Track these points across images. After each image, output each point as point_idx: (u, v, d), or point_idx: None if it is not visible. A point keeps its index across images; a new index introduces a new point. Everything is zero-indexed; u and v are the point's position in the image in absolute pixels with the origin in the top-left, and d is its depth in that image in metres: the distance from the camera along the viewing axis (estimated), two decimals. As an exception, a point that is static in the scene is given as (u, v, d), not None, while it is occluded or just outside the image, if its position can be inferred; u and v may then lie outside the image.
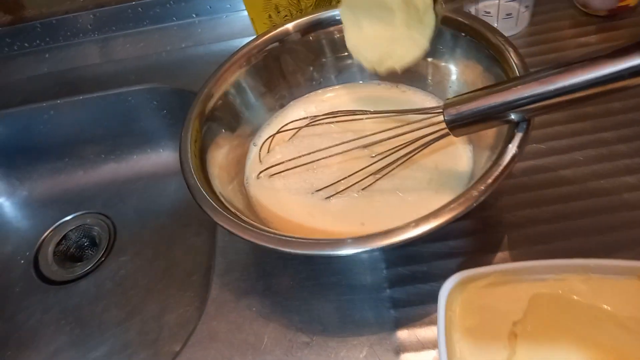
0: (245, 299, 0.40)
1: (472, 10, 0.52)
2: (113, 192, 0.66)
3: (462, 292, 0.31)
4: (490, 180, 0.30)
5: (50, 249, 0.62)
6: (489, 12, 0.51)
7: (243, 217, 0.34)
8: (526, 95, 0.30)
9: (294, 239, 0.31)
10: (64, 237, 0.63)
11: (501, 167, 0.30)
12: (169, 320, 0.52)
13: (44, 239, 0.63)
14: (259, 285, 0.41)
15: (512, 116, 0.31)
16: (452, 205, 0.30)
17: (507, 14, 0.51)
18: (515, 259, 0.38)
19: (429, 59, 0.43)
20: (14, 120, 0.64)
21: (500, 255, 0.38)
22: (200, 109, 0.40)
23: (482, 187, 0.30)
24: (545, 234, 0.38)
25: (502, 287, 0.31)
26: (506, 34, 0.51)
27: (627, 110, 0.44)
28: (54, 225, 0.64)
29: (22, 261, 0.61)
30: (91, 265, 0.59)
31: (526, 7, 0.51)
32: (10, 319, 0.57)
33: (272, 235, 0.32)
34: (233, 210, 0.35)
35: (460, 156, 0.41)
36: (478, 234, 0.39)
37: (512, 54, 0.35)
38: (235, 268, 0.42)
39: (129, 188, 0.66)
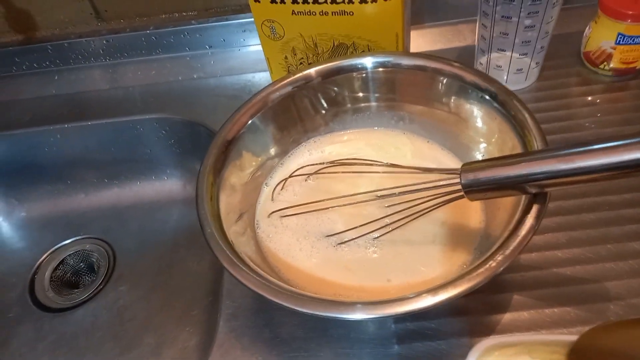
0: (252, 348, 0.40)
1: (484, 62, 0.54)
2: (114, 218, 0.65)
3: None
4: (508, 252, 0.30)
5: (47, 274, 0.61)
6: (500, 66, 0.53)
7: (258, 270, 0.34)
8: (544, 170, 0.30)
9: (311, 298, 0.31)
10: (62, 262, 0.63)
11: (519, 239, 0.31)
12: (167, 356, 0.52)
13: (40, 263, 0.62)
14: (266, 333, 0.40)
15: (529, 188, 0.32)
16: (470, 275, 0.30)
17: (518, 69, 0.52)
18: (522, 320, 0.38)
19: (449, 113, 0.44)
20: (19, 141, 0.63)
21: (507, 315, 0.38)
22: (216, 156, 0.40)
23: (500, 258, 0.30)
24: (552, 297, 0.39)
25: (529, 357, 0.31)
26: (515, 88, 0.54)
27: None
28: (52, 249, 0.64)
29: (18, 285, 0.60)
30: (89, 293, 0.59)
31: (537, 63, 0.53)
32: (3, 345, 0.56)
33: (288, 292, 0.32)
34: (246, 259, 0.35)
35: (472, 212, 0.41)
36: (486, 292, 0.40)
37: (533, 128, 0.36)
38: (242, 313, 0.42)
39: (131, 214, 0.66)
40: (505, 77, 0.53)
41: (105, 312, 0.57)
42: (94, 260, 0.62)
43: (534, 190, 0.32)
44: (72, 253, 0.63)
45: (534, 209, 0.32)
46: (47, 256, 0.63)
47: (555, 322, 0.38)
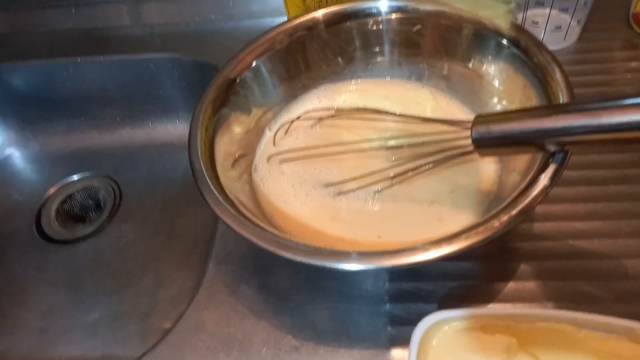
0: (239, 293, 0.38)
1: (519, 18, 0.49)
2: (124, 158, 0.65)
3: (437, 334, 0.29)
4: (514, 212, 0.27)
5: (54, 206, 0.61)
6: (536, 22, 0.48)
7: (245, 212, 0.32)
8: (567, 125, 0.27)
9: (294, 245, 0.29)
10: (70, 196, 0.63)
11: (528, 199, 0.28)
12: (162, 297, 0.51)
13: (49, 196, 0.63)
14: (255, 280, 0.39)
15: (548, 145, 0.29)
16: (468, 233, 0.27)
17: (557, 27, 0.48)
18: (526, 291, 0.35)
19: (470, 67, 0.40)
20: (34, 72, 0.62)
21: (511, 284, 0.36)
22: (216, 94, 0.38)
23: (505, 218, 0.27)
24: (563, 270, 0.36)
25: (482, 333, 0.29)
26: (552, 48, 0.49)
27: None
28: (61, 183, 0.64)
29: (25, 215, 0.61)
30: (93, 228, 0.59)
31: (578, 21, 0.48)
32: (6, 271, 0.56)
33: (272, 237, 0.30)
34: (236, 202, 0.33)
35: (485, 173, 0.38)
36: (491, 259, 0.37)
37: (559, 77, 0.32)
38: (232, 259, 0.41)
39: (141, 155, 0.65)
40: (541, 36, 0.49)
41: (108, 248, 0.57)
42: (101, 197, 0.62)
43: (552, 148, 0.29)
44: (81, 189, 0.63)
45: (550, 168, 0.29)
46: (56, 189, 0.63)
47: (562, 296, 0.35)
